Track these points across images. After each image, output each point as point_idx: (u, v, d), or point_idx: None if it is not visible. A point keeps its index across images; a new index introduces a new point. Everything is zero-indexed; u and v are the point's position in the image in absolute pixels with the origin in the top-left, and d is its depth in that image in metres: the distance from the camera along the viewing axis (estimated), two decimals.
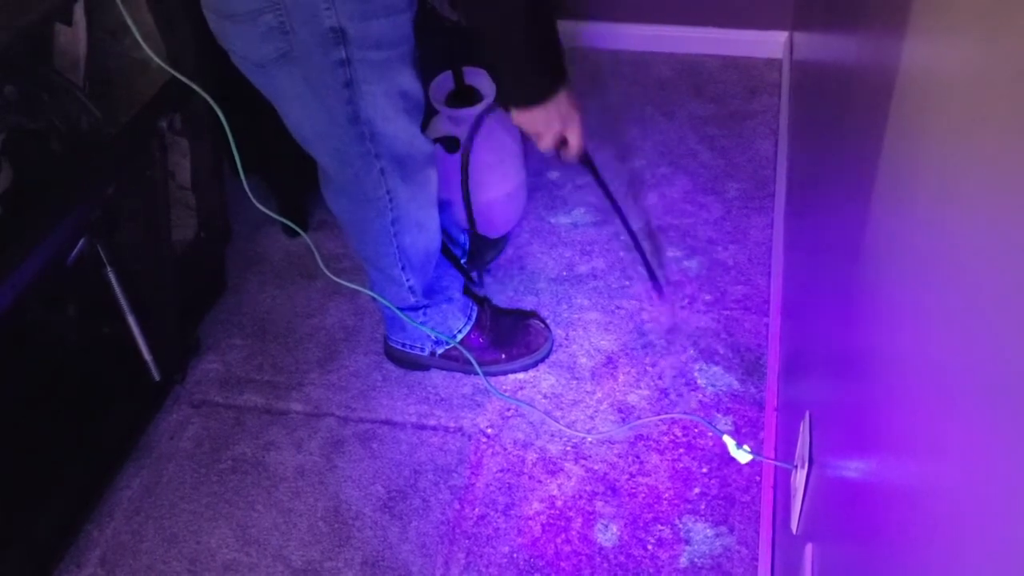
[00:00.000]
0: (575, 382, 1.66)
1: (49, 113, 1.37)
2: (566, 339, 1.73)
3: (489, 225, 1.70)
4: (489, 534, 1.45)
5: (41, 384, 1.47)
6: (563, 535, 1.44)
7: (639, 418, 1.59)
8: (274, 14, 1.14)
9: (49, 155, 1.36)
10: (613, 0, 2.42)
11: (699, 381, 1.63)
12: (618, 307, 1.79)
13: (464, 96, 1.73)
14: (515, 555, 1.42)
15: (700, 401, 1.60)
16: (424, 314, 1.60)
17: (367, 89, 1.24)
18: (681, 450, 1.53)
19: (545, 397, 1.64)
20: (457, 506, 1.49)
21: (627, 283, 1.83)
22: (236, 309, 1.87)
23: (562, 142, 1.36)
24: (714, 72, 2.38)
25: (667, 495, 1.47)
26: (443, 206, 1.55)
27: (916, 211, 0.64)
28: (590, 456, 1.54)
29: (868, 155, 0.83)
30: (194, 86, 1.29)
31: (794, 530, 1.08)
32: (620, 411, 1.60)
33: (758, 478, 1.47)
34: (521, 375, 1.67)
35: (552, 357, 1.70)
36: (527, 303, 1.81)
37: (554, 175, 2.10)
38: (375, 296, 1.56)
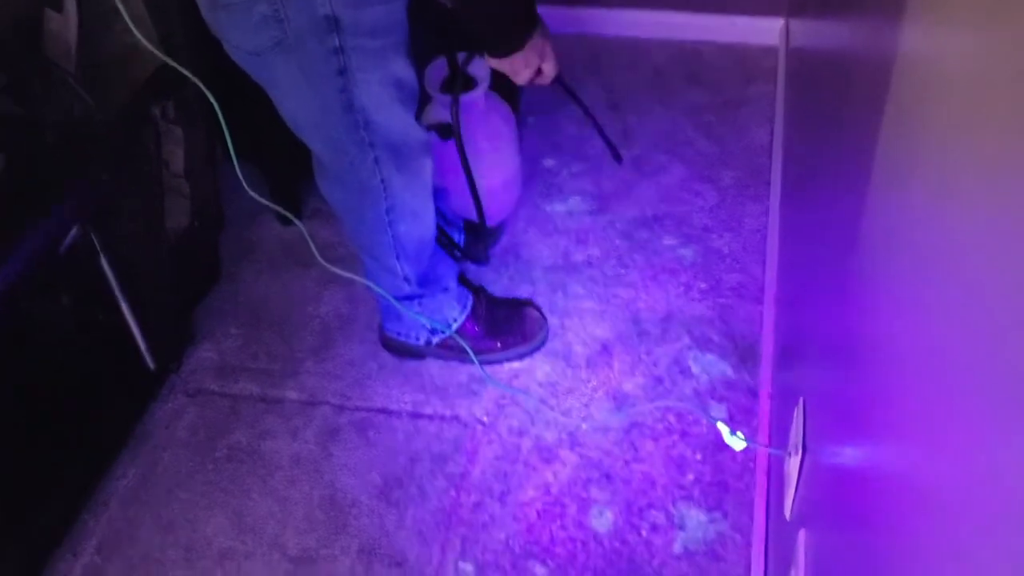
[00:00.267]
0: (570, 370, 1.66)
1: (40, 100, 1.37)
2: (561, 327, 1.74)
3: (486, 213, 1.70)
4: (485, 521, 1.45)
5: (36, 374, 1.47)
6: (558, 521, 1.44)
7: (634, 406, 1.59)
8: (268, 3, 1.14)
9: (41, 143, 1.35)
10: None
11: (693, 369, 1.64)
12: (613, 295, 1.79)
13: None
14: (511, 541, 1.42)
15: (694, 389, 1.61)
16: (419, 303, 1.60)
17: (361, 77, 1.23)
18: (675, 437, 1.53)
19: (540, 385, 1.64)
20: (453, 493, 1.50)
21: (623, 271, 1.83)
22: (231, 297, 1.86)
23: (536, 72, 1.40)
24: (710, 59, 2.38)
25: (661, 481, 1.47)
26: (438, 194, 1.54)
27: (912, 199, 0.64)
28: (585, 443, 1.54)
29: (865, 143, 0.83)
30: (186, 73, 1.28)
31: (787, 516, 1.08)
32: (615, 399, 1.60)
33: (752, 464, 1.48)
34: (517, 363, 1.68)
35: (547, 345, 1.70)
36: (522, 292, 1.81)
37: (549, 163, 2.10)
38: (370, 285, 1.56)
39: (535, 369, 1.67)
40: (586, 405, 1.60)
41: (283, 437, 1.60)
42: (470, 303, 1.67)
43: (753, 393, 1.58)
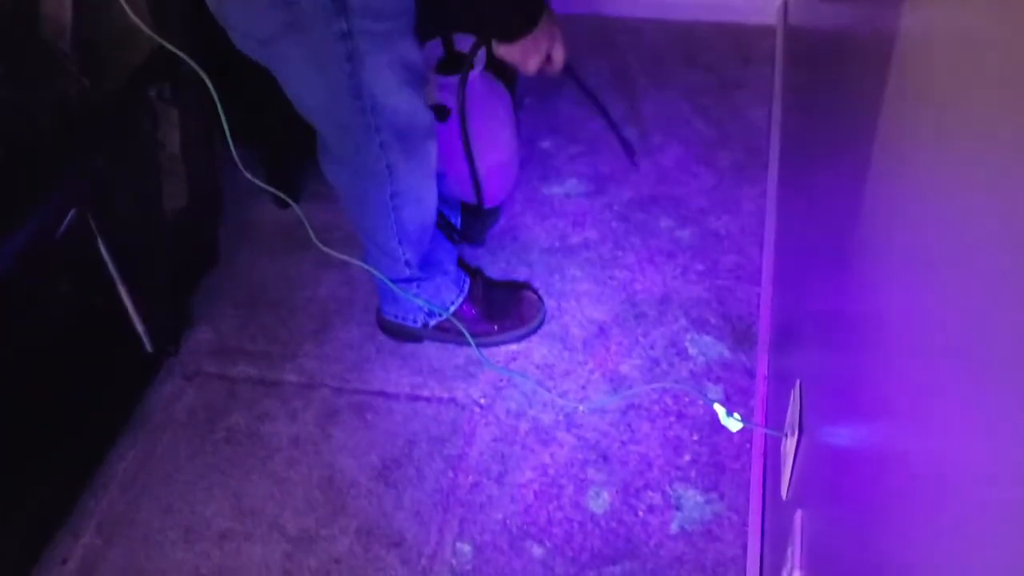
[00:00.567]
0: (567, 352, 1.67)
1: (36, 83, 1.36)
2: (558, 310, 1.74)
3: (484, 196, 1.69)
4: (483, 502, 1.46)
5: (34, 357, 1.47)
6: (555, 502, 1.45)
7: (631, 387, 1.60)
8: None
9: (36, 126, 1.35)
10: None
11: (690, 350, 1.64)
12: (610, 278, 1.79)
13: (454, 63, 1.72)
14: (508, 522, 1.43)
15: (691, 370, 1.61)
16: (418, 287, 1.60)
17: (370, 61, 1.23)
18: (672, 418, 1.54)
19: (537, 367, 1.65)
20: (451, 475, 1.50)
21: (620, 254, 1.83)
22: (228, 280, 1.86)
23: (546, 60, 1.36)
24: (706, 39, 2.37)
25: (658, 462, 1.48)
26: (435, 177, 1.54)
27: (912, 180, 0.64)
28: (582, 425, 1.55)
29: (865, 123, 0.83)
30: (182, 55, 1.27)
31: (784, 496, 1.09)
32: (612, 381, 1.61)
33: (748, 445, 1.48)
34: (514, 346, 1.68)
35: (544, 328, 1.71)
36: (519, 274, 1.81)
37: (546, 144, 2.10)
38: (369, 268, 1.56)
39: (532, 351, 1.67)
40: (583, 387, 1.61)
41: (282, 419, 1.61)
42: (467, 286, 1.67)
43: (750, 374, 1.59)
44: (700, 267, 1.79)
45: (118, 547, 1.45)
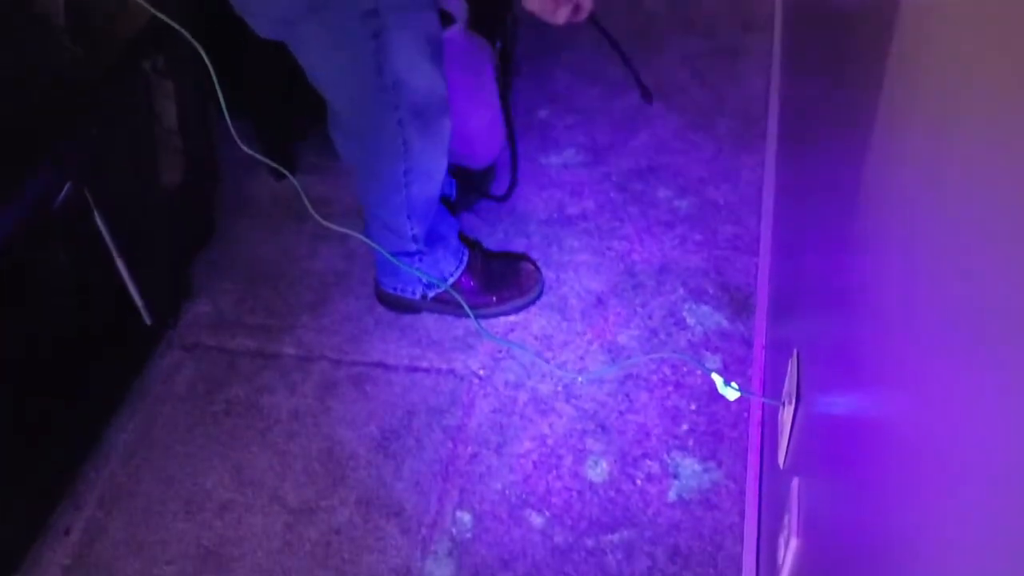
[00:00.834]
0: (565, 323, 1.67)
1: (29, 54, 1.35)
2: (556, 281, 1.74)
3: (472, 156, 1.68)
4: (482, 472, 1.47)
5: (33, 330, 1.47)
6: (554, 472, 1.46)
7: (629, 358, 1.60)
8: None
9: (30, 98, 1.34)
10: None
11: (688, 320, 1.65)
12: (608, 248, 1.79)
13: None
14: (507, 491, 1.44)
15: (689, 340, 1.62)
16: (420, 260, 1.60)
17: (395, 37, 1.22)
18: (670, 388, 1.55)
19: (536, 338, 1.65)
20: (450, 445, 1.51)
21: (618, 224, 1.83)
22: (226, 253, 1.86)
23: (574, 9, 1.33)
24: (705, 5, 2.35)
25: (656, 432, 1.49)
26: None
27: (915, 149, 0.64)
28: (580, 395, 1.55)
29: (867, 90, 0.83)
30: (176, 26, 1.26)
31: (781, 464, 1.10)
32: (610, 351, 1.61)
33: (746, 414, 1.49)
34: (512, 317, 1.68)
35: (543, 299, 1.71)
36: (517, 245, 1.81)
37: (543, 114, 2.09)
38: (368, 242, 1.55)
39: (530, 322, 1.68)
40: (581, 358, 1.61)
41: (281, 391, 1.61)
42: (466, 258, 1.67)
43: (748, 344, 1.59)
44: (698, 237, 1.79)
45: (119, 518, 1.46)
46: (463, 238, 1.72)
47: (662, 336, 1.63)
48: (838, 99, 1.03)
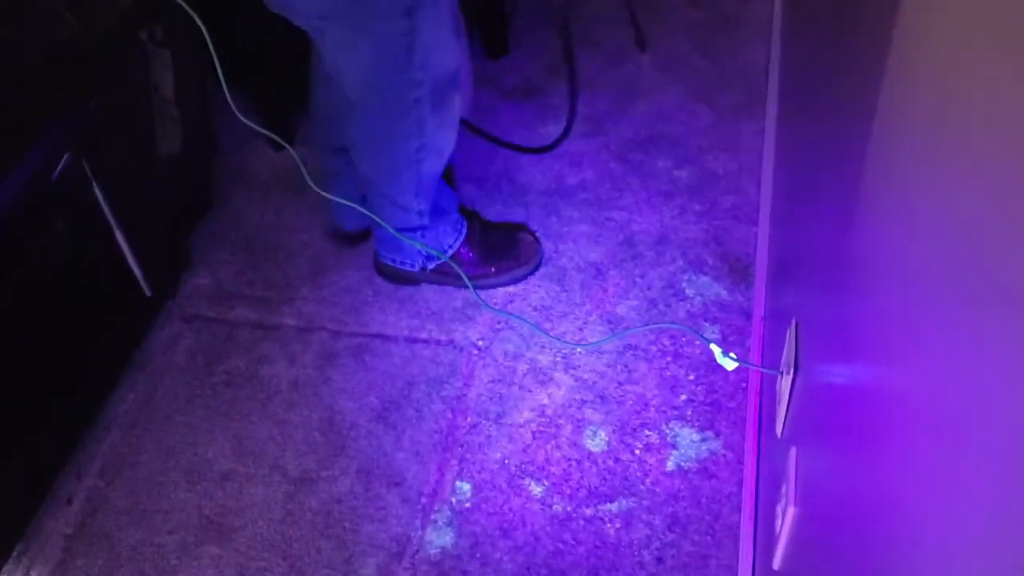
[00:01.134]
0: (565, 294, 1.67)
1: (25, 25, 1.34)
2: (556, 251, 1.74)
3: None
4: (481, 442, 1.48)
5: (33, 301, 1.47)
6: (553, 442, 1.47)
7: (627, 328, 1.60)
8: None
9: (26, 69, 1.33)
10: None
11: (687, 291, 1.65)
12: (607, 219, 1.79)
13: None
14: (507, 461, 1.45)
15: (688, 311, 1.62)
16: (422, 235, 1.60)
17: (428, 15, 1.22)
18: (669, 358, 1.55)
19: (535, 309, 1.65)
20: (450, 415, 1.52)
21: (617, 194, 1.83)
22: (225, 224, 1.86)
23: None
24: None
25: (655, 402, 1.50)
26: None
27: (917, 119, 0.64)
28: (579, 366, 1.56)
29: (870, 60, 0.82)
30: None
31: (779, 434, 1.10)
32: (609, 321, 1.62)
33: (744, 385, 1.50)
34: (511, 288, 1.68)
35: (542, 270, 1.71)
36: (516, 216, 1.81)
37: (542, 84, 2.07)
38: (373, 216, 1.54)
39: (530, 293, 1.68)
40: (580, 328, 1.61)
41: (281, 362, 1.62)
42: (465, 229, 1.67)
43: (746, 314, 1.60)
44: (698, 207, 1.78)
45: (121, 488, 1.47)
46: (462, 209, 1.72)
47: (661, 307, 1.63)
48: (840, 67, 1.03)
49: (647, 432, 1.46)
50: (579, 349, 1.58)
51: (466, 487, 1.43)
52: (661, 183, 1.84)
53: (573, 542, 1.36)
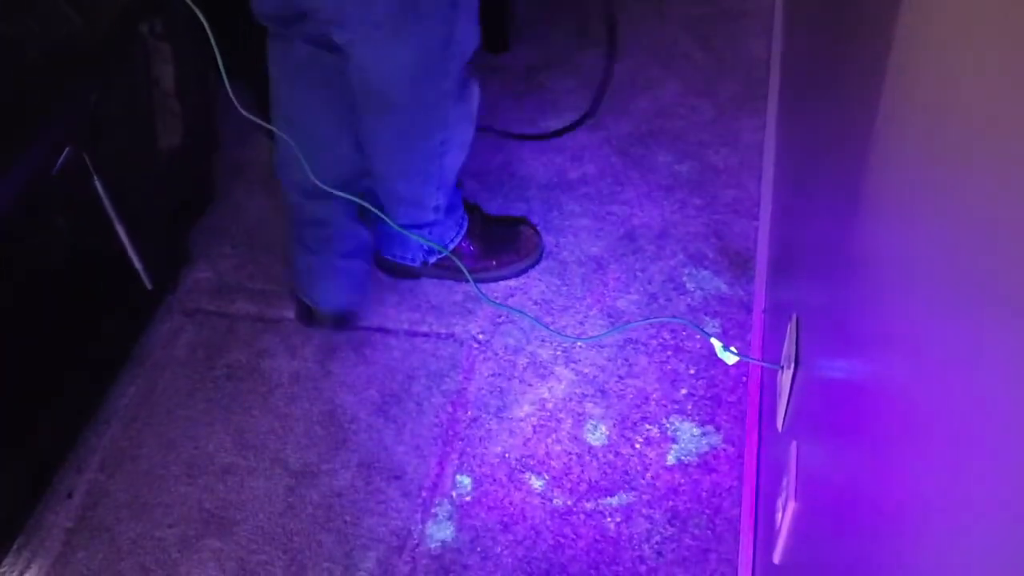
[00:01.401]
0: (565, 288, 1.67)
1: (24, 19, 1.34)
2: (556, 245, 1.74)
3: None
4: (482, 435, 1.48)
5: (34, 295, 1.48)
6: (553, 435, 1.47)
7: (628, 322, 1.60)
8: None
9: (27, 63, 1.33)
10: None
11: (688, 285, 1.65)
12: (608, 213, 1.78)
13: None
14: (507, 455, 1.45)
15: (688, 305, 1.62)
16: (430, 232, 1.60)
17: (465, 4, 1.22)
18: (669, 353, 1.55)
19: (535, 303, 1.65)
20: (450, 409, 1.52)
21: (618, 188, 1.83)
22: (226, 218, 1.86)
23: None
24: None
25: (655, 396, 1.50)
26: None
27: (920, 112, 0.64)
28: (580, 360, 1.56)
29: (873, 54, 0.82)
30: None
31: (779, 428, 1.10)
32: (609, 315, 1.62)
33: (745, 379, 1.50)
34: (512, 281, 1.68)
35: (542, 264, 1.71)
36: (517, 210, 1.80)
37: (542, 78, 2.07)
38: (378, 212, 1.51)
39: (530, 287, 1.68)
40: (581, 322, 1.61)
41: (282, 356, 1.62)
42: (466, 223, 1.67)
43: (747, 308, 1.60)
44: (698, 201, 1.78)
45: (121, 481, 1.47)
46: (464, 203, 1.72)
47: (661, 301, 1.63)
48: (841, 61, 1.03)
49: (647, 426, 1.46)
50: (579, 343, 1.58)
51: (466, 481, 1.43)
52: (662, 177, 1.84)
53: (573, 536, 1.36)
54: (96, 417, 1.55)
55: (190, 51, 1.61)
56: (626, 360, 1.55)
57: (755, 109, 1.95)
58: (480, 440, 1.48)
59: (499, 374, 1.56)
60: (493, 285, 1.68)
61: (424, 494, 1.42)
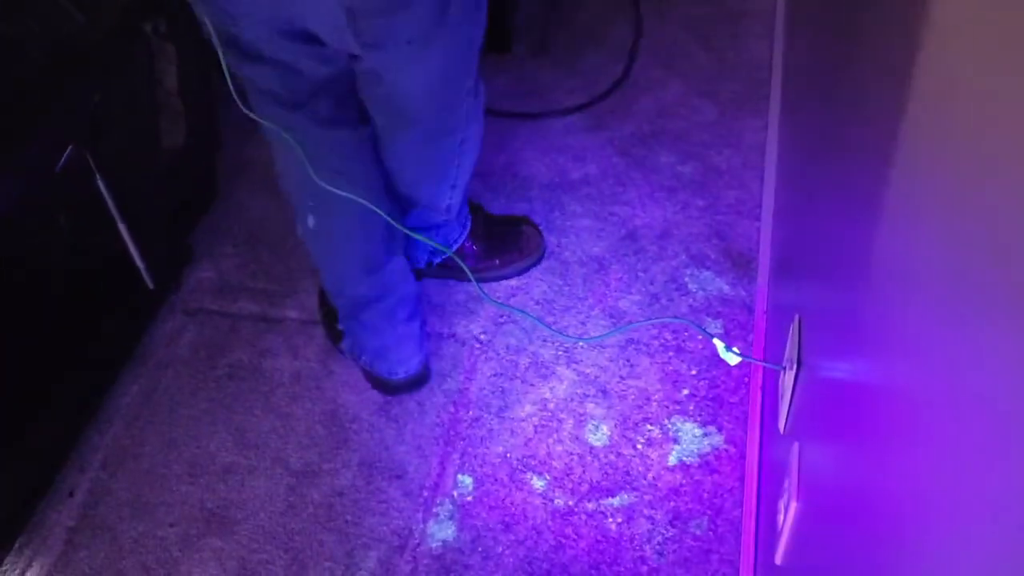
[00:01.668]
0: (567, 288, 1.67)
1: (27, 18, 1.34)
2: (558, 245, 1.74)
3: None
4: (483, 435, 1.48)
5: (36, 294, 1.48)
6: (555, 435, 1.47)
7: (630, 322, 1.60)
8: None
9: (30, 62, 1.33)
10: None
11: (690, 286, 1.65)
12: (610, 213, 1.78)
13: None
14: (508, 455, 1.45)
15: (690, 305, 1.62)
16: (437, 232, 1.59)
17: (485, 3, 1.22)
18: (671, 353, 1.55)
19: (537, 303, 1.65)
20: (452, 409, 1.52)
21: (620, 189, 1.83)
22: (228, 217, 1.86)
23: None
24: None
25: (656, 397, 1.50)
26: None
27: (921, 111, 0.64)
28: (581, 360, 1.56)
29: (873, 52, 0.82)
30: None
31: (781, 430, 1.10)
32: (611, 316, 1.62)
33: (747, 379, 1.50)
34: (513, 281, 1.68)
35: (544, 264, 1.71)
36: (519, 210, 1.80)
37: (544, 78, 2.07)
38: (388, 219, 1.48)
39: (532, 287, 1.68)
40: (583, 322, 1.61)
41: (284, 355, 1.62)
42: (469, 223, 1.67)
43: (749, 309, 1.60)
44: (701, 202, 1.78)
45: (123, 480, 1.47)
46: (467, 203, 1.72)
47: (663, 301, 1.63)
48: (843, 61, 1.03)
49: (649, 427, 1.46)
50: (581, 343, 1.58)
51: (468, 480, 1.43)
52: (664, 178, 1.84)
53: (575, 536, 1.36)
54: (98, 416, 1.55)
55: (193, 51, 1.61)
56: (628, 360, 1.55)
57: (757, 109, 1.95)
58: (482, 440, 1.48)
59: (501, 374, 1.56)
60: (495, 284, 1.68)
61: (425, 494, 1.42)
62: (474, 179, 1.84)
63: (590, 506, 1.38)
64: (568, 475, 1.42)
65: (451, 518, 1.39)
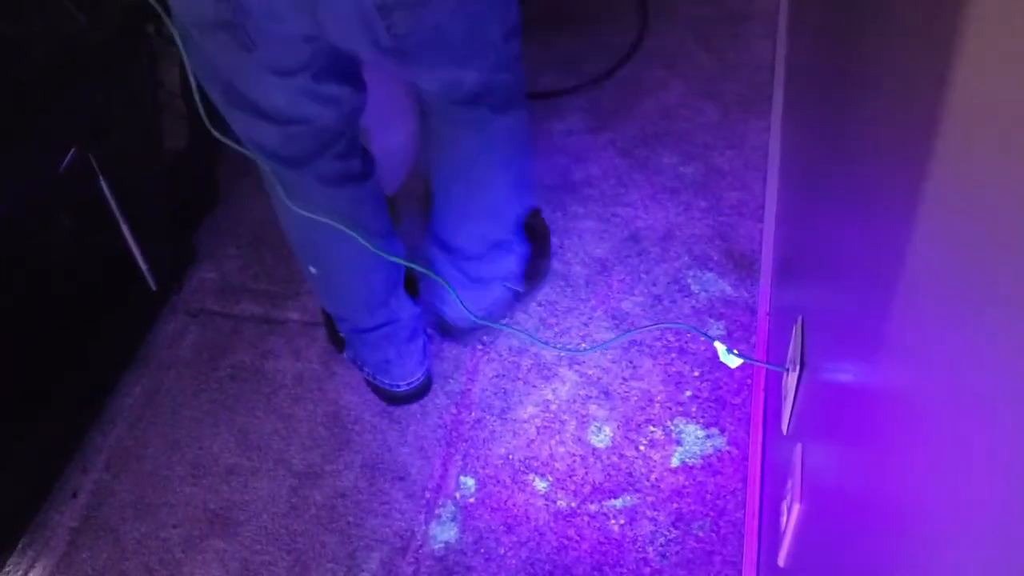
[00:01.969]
0: (569, 289, 1.67)
1: (29, 18, 1.34)
2: (560, 247, 1.74)
3: (382, 179, 1.42)
4: (486, 437, 1.48)
5: (39, 296, 1.48)
6: (557, 437, 1.47)
7: (632, 324, 1.60)
8: None
9: (33, 63, 1.33)
10: None
11: (692, 287, 1.64)
12: (613, 214, 1.78)
13: None
14: (511, 456, 1.45)
15: (693, 307, 1.62)
16: (508, 255, 1.58)
17: None
18: (673, 355, 1.55)
19: (539, 304, 1.65)
20: (454, 411, 1.52)
21: (622, 190, 1.82)
22: (230, 219, 1.86)
23: None
24: None
25: (659, 398, 1.49)
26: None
27: (924, 113, 0.64)
28: (584, 362, 1.56)
29: (875, 55, 0.82)
30: None
31: (784, 431, 1.10)
32: (614, 317, 1.62)
33: (749, 381, 1.50)
34: None
35: None
36: None
37: (546, 80, 2.07)
38: (445, 284, 1.46)
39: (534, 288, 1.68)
40: (585, 324, 1.61)
41: (286, 357, 1.62)
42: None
43: (752, 311, 1.60)
44: (703, 204, 1.78)
45: (126, 481, 1.48)
46: None
47: (666, 303, 1.63)
48: (846, 62, 1.03)
49: (652, 428, 1.46)
50: (583, 345, 1.58)
51: (470, 482, 1.43)
52: (666, 179, 1.84)
53: (577, 538, 1.36)
54: (101, 417, 1.56)
55: None
56: (630, 362, 1.55)
57: (760, 111, 1.95)
58: (484, 441, 1.48)
59: (503, 375, 1.56)
60: None
61: (428, 495, 1.42)
62: None
63: (592, 508, 1.38)
64: (570, 476, 1.42)
65: (453, 519, 1.39)
